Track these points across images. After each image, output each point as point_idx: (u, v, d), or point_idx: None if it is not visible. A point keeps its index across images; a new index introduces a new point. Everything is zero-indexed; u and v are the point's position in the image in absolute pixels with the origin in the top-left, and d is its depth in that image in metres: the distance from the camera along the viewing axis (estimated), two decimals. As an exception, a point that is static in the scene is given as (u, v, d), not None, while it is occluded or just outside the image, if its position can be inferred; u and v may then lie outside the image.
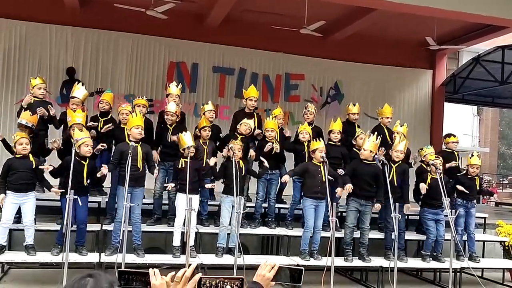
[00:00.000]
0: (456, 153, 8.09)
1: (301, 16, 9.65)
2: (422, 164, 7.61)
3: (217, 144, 7.40)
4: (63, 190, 5.70)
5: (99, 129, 6.95)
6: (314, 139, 6.97)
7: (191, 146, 6.23)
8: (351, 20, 10.94)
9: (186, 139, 6.27)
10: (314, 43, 11.04)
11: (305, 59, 12.20)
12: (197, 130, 7.12)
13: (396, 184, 6.92)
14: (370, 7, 9.81)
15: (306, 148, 7.26)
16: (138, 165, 6.06)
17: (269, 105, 11.71)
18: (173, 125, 6.91)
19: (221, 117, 11.06)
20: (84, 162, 5.89)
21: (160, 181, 6.93)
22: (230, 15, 10.69)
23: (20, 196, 5.76)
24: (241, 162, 6.50)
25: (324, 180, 6.48)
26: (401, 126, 7.76)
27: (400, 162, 7.10)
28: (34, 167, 5.84)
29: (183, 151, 6.25)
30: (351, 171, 6.87)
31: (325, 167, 6.50)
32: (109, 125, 6.87)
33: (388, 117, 8.01)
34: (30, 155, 5.86)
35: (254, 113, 7.69)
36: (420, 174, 7.52)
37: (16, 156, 5.85)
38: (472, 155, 7.60)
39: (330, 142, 7.39)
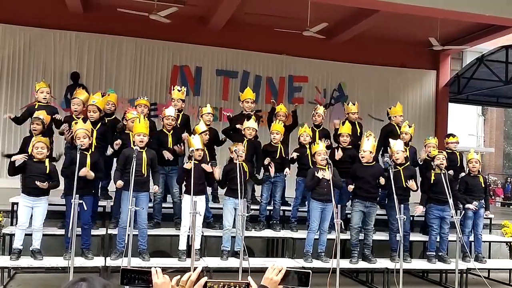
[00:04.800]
0: (458, 153, 8.05)
1: (304, 18, 9.66)
2: (427, 155, 7.67)
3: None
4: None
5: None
6: (319, 141, 6.96)
7: (199, 149, 6.24)
8: (354, 21, 10.95)
9: (195, 141, 6.29)
10: (317, 45, 11.06)
11: (308, 61, 12.21)
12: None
13: (405, 187, 6.91)
14: (373, 9, 9.81)
15: (308, 150, 7.27)
16: (143, 171, 6.06)
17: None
18: (171, 131, 6.90)
19: (225, 119, 11.05)
20: (86, 153, 5.90)
21: (160, 186, 6.91)
22: (233, 18, 10.71)
23: (32, 199, 5.79)
24: (244, 164, 6.49)
25: (329, 183, 6.46)
26: (409, 127, 7.75)
27: (406, 163, 7.09)
28: (48, 172, 5.84)
29: (191, 154, 6.23)
30: (353, 176, 6.89)
31: (330, 169, 6.49)
32: (118, 142, 6.70)
33: (401, 116, 8.06)
34: (47, 160, 5.88)
35: (253, 115, 7.66)
36: (425, 165, 7.56)
37: (34, 160, 5.87)
38: (469, 152, 7.63)
39: (339, 145, 7.39)
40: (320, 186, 6.62)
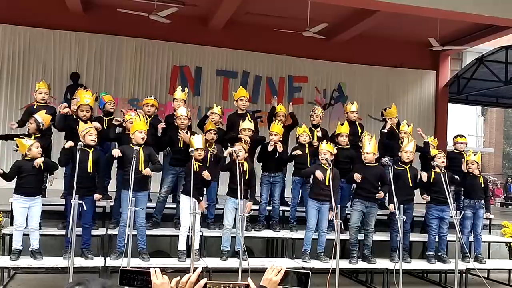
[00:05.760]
0: (464, 154, 8.03)
1: (304, 18, 9.67)
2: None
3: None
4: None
5: (104, 127, 6.96)
6: (320, 142, 6.98)
7: (198, 148, 6.23)
8: (354, 22, 10.95)
9: (195, 141, 6.29)
10: (317, 45, 11.07)
11: (308, 62, 12.22)
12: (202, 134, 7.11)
13: (411, 186, 6.96)
14: (373, 9, 9.81)
15: (307, 149, 7.26)
16: (140, 168, 6.05)
17: (273, 107, 11.71)
18: (184, 131, 6.90)
19: (225, 120, 11.05)
20: (89, 150, 5.93)
21: (167, 185, 6.92)
22: (233, 18, 10.72)
23: (29, 200, 5.81)
24: (245, 164, 6.48)
25: (328, 183, 6.46)
26: (408, 126, 7.76)
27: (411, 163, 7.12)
28: (43, 169, 5.88)
29: (192, 153, 6.21)
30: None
31: (330, 169, 6.49)
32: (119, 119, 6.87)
33: (396, 117, 8.11)
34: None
35: (248, 114, 7.65)
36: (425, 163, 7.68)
37: (25, 158, 5.87)
38: (467, 153, 7.67)
39: (338, 145, 7.39)
40: (318, 186, 6.63)
